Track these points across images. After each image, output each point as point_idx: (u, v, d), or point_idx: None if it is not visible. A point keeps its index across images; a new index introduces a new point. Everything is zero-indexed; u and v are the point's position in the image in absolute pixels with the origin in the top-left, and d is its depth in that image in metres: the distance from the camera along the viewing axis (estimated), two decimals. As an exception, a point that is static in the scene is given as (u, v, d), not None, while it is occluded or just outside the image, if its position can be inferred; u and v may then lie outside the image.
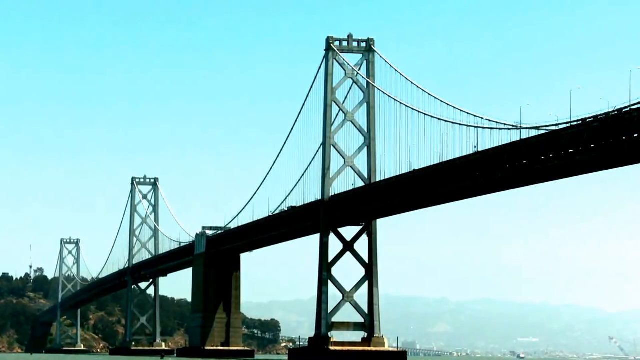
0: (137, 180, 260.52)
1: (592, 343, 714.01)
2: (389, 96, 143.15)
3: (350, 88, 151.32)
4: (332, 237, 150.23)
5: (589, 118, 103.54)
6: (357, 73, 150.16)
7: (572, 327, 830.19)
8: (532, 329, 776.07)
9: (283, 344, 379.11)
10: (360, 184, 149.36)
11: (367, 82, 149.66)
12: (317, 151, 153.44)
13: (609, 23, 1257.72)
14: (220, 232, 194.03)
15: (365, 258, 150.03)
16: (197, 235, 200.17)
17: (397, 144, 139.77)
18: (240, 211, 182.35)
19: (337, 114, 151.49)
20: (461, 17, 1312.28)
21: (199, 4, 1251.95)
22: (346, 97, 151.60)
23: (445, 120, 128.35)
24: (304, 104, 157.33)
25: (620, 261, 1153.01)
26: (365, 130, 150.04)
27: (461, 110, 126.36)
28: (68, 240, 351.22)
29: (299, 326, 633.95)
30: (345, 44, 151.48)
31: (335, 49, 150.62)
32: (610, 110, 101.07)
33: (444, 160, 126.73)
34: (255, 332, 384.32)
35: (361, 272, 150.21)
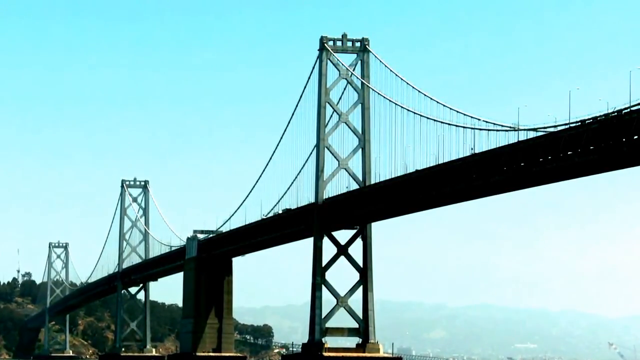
0: (127, 182, 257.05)
1: (591, 349, 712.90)
2: (384, 97, 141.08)
3: (345, 89, 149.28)
4: (326, 241, 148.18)
5: (588, 119, 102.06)
6: (352, 73, 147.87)
7: (571, 332, 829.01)
8: (530, 335, 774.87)
9: (276, 350, 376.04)
10: (354, 186, 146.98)
11: (362, 82, 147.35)
12: (311, 153, 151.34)
13: (609, 23, 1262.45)
14: (211, 235, 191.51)
15: (360, 262, 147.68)
16: (188, 239, 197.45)
17: (392, 145, 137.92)
18: (232, 214, 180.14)
19: (331, 115, 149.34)
20: (458, 17, 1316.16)
21: (192, 4, 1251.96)
22: (340, 98, 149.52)
23: (442, 122, 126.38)
24: (297, 105, 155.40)
25: (619, 266, 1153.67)
26: (360, 131, 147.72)
27: (458, 112, 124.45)
28: (56, 244, 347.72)
29: (292, 332, 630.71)
30: (339, 43, 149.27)
31: (329, 49, 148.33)
32: (610, 111, 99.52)
33: (440, 163, 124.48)
34: (248, 337, 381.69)
35: (356, 276, 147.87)
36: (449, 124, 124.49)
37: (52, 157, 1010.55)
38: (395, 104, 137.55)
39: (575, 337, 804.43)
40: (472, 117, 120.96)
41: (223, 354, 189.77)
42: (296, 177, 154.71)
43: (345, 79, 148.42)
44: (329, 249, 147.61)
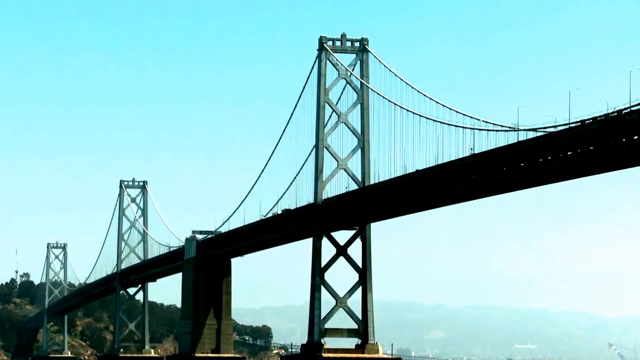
0: (126, 183, 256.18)
1: (591, 350, 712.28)
2: (383, 97, 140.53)
3: (344, 89, 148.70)
4: (325, 242, 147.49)
5: (588, 119, 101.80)
6: (351, 73, 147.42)
7: (571, 333, 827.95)
8: (530, 336, 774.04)
9: (275, 351, 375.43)
10: (353, 186, 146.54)
11: (361, 82, 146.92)
12: (310, 153, 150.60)
13: (609, 24, 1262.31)
14: (210, 236, 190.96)
15: (359, 263, 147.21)
16: (186, 239, 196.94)
17: (392, 146, 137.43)
18: (231, 215, 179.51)
19: (330, 115, 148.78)
20: (457, 16, 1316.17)
21: (192, 4, 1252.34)
22: (339, 98, 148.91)
23: (441, 122, 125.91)
24: (296, 105, 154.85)
25: (619, 266, 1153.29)
26: (359, 131, 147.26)
27: (457, 112, 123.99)
28: (55, 245, 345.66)
29: (291, 333, 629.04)
30: (338, 43, 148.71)
31: (328, 49, 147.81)
32: (610, 111, 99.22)
33: (439, 163, 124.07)
34: (247, 338, 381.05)
35: (355, 277, 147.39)
36: (448, 124, 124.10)
37: (51, 158, 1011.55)
38: (395, 104, 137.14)
39: (575, 338, 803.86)
40: (471, 117, 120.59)
41: (222, 355, 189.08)
42: (295, 178, 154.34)
43: (345, 79, 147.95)
44: (328, 250, 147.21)
